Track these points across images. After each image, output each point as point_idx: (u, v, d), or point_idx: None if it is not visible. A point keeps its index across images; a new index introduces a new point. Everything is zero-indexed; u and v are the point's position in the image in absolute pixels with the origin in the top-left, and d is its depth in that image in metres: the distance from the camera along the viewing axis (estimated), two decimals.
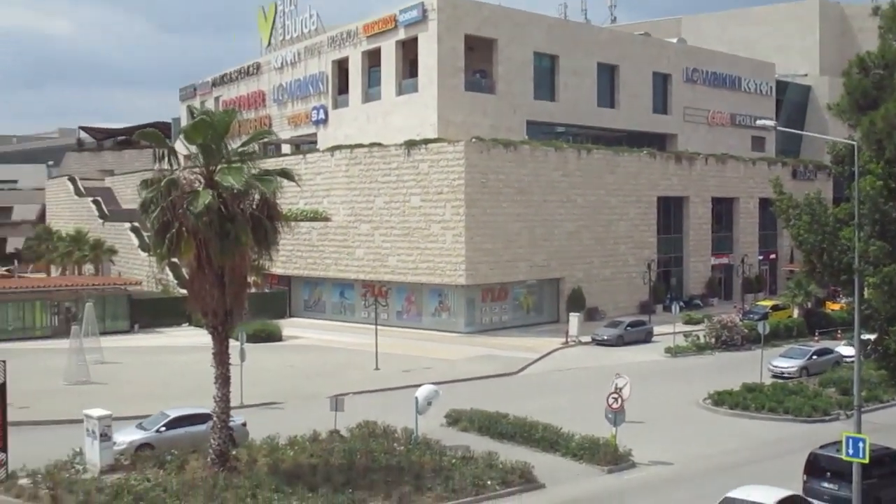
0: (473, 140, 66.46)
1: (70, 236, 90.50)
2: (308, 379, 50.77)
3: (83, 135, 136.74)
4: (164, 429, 35.19)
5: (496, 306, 70.09)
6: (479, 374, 52.45)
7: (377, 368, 53.08)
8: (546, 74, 78.43)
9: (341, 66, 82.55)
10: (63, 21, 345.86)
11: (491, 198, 66.32)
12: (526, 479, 31.80)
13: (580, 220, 72.86)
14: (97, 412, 33.52)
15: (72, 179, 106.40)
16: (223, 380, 32.00)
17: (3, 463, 32.32)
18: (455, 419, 39.73)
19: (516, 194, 67.95)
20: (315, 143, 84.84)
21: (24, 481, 31.68)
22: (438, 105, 70.38)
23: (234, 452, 32.44)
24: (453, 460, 32.87)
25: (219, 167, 31.09)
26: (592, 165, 74.08)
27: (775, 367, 51.54)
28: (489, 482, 31.07)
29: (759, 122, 57.43)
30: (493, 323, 69.46)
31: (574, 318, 64.24)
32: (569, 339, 63.37)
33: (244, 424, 36.17)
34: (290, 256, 70.72)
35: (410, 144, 68.05)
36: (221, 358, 32.04)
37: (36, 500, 30.46)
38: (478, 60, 74.61)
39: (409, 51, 74.55)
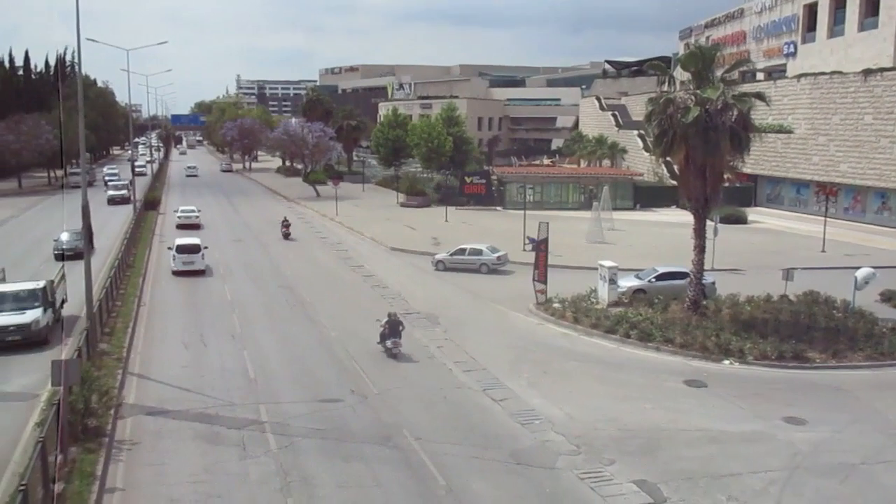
0: None
1: (595, 139, 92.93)
2: (765, 254, 48.44)
3: (608, 66, 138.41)
4: (654, 280, 35.83)
5: None
6: None
7: (823, 251, 49.13)
8: None
9: (811, 9, 75.62)
10: None
11: None
12: None
13: None
14: (608, 263, 34.98)
15: (597, 99, 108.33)
16: (700, 248, 31.77)
17: (544, 291, 35.12)
18: (888, 297, 35.79)
19: None
20: (784, 71, 78.73)
21: (556, 305, 34.26)
22: None
23: (704, 302, 32.32)
24: (884, 329, 29.96)
25: (705, 88, 30.34)
26: None
27: None
28: None
29: None
30: None
31: None
32: None
33: (713, 283, 35.67)
34: (758, 159, 66.61)
35: (868, 72, 60.67)
36: (699, 232, 31.76)
37: (563, 319, 32.83)
38: None
39: None
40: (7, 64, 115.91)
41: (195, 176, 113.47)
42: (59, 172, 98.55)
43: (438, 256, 44.89)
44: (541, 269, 35.25)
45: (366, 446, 20.60)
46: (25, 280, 32.99)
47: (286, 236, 55.69)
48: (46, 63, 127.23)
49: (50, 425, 18.14)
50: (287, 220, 57.50)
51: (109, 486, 18.37)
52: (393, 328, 28.44)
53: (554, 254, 37.96)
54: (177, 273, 42.57)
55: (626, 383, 25.71)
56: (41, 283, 30.67)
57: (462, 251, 44.30)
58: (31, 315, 28.81)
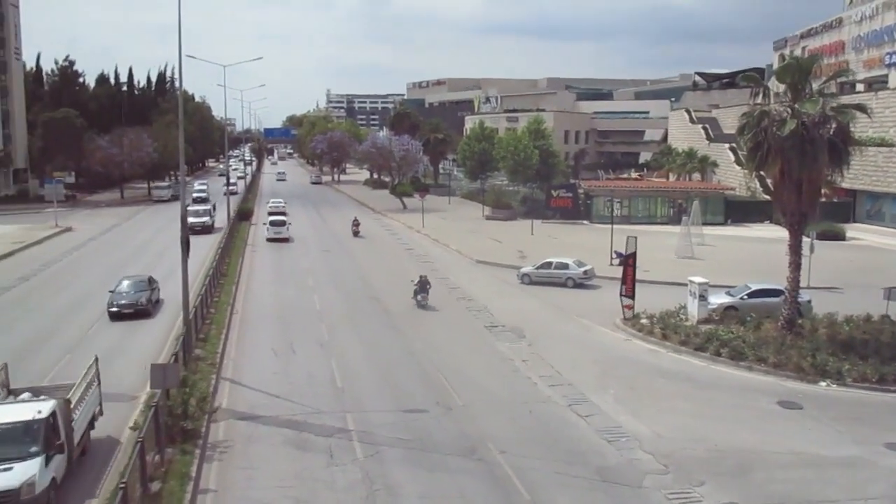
0: None
1: (684, 152, 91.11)
2: (864, 272, 46.39)
3: (697, 78, 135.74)
4: (746, 297, 34.82)
5: None
6: None
7: None
8: None
9: None
10: None
11: None
12: None
13: None
14: (698, 279, 34.23)
15: (687, 111, 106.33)
16: (795, 265, 30.74)
17: (632, 307, 34.59)
18: None
19: None
20: (885, 82, 75.57)
21: (643, 321, 33.69)
22: None
23: (799, 321, 31.22)
24: None
25: (802, 101, 29.45)
26: None
27: None
28: None
29: None
30: None
31: None
32: None
33: (809, 301, 34.44)
34: (857, 174, 64.15)
35: None
36: (795, 248, 30.73)
37: (651, 335, 32.26)
38: None
39: None
40: (112, 80, 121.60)
41: (283, 181, 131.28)
42: (160, 183, 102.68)
43: (524, 270, 44.76)
44: (628, 283, 34.74)
45: (450, 458, 20.66)
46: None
47: (356, 234, 63.59)
48: (148, 79, 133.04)
49: (148, 426, 18.85)
50: (357, 220, 65.59)
51: (203, 488, 18.94)
52: (422, 286, 37.91)
53: (642, 269, 37.32)
54: (270, 240, 59.51)
55: (716, 402, 25.06)
56: (42, 412, 18.16)
57: (548, 265, 44.06)
58: (21, 472, 16.94)
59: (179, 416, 20.99)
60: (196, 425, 21.43)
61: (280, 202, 79.07)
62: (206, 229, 63.49)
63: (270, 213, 70.24)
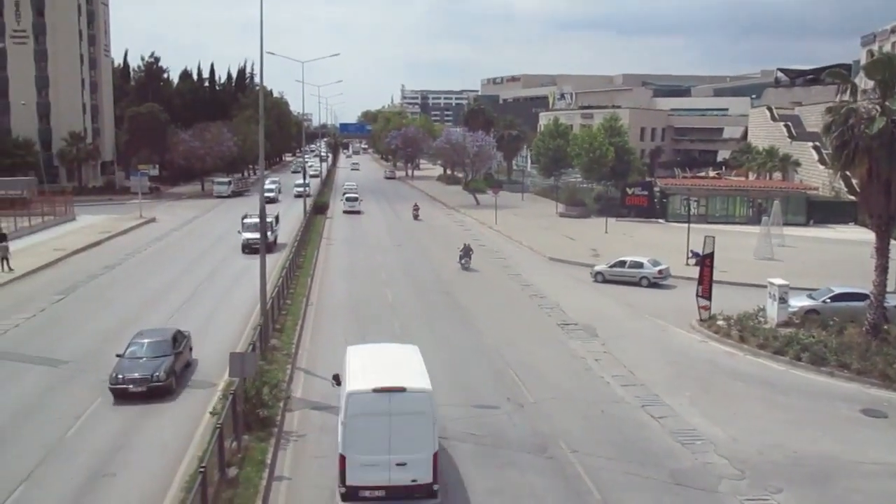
0: None
1: (765, 150, 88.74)
2: None
3: (779, 75, 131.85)
4: (828, 300, 33.72)
5: None
6: None
7: None
8: None
9: None
10: None
11: None
12: None
13: None
14: (778, 281, 33.30)
15: (768, 108, 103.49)
16: (882, 269, 29.61)
17: (708, 308, 33.88)
18: None
19: None
20: None
21: (720, 322, 32.95)
22: None
23: (886, 327, 30.05)
24: None
25: (892, 98, 28.30)
26: None
27: None
28: None
29: None
30: None
31: None
32: None
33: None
34: None
35: None
36: (882, 251, 29.61)
37: (727, 337, 31.54)
38: None
39: None
40: (195, 76, 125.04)
41: (357, 170, 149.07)
42: (237, 175, 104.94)
43: (598, 268, 44.33)
44: (705, 284, 34.02)
45: (521, 455, 20.61)
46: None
47: (415, 217, 71.42)
48: (228, 75, 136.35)
49: (226, 413, 19.34)
50: (417, 205, 73.84)
51: (278, 475, 19.34)
52: (466, 251, 47.07)
53: (719, 269, 36.54)
54: (346, 212, 76.58)
55: (795, 408, 24.35)
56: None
57: (622, 263, 43.54)
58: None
59: (255, 404, 21.46)
60: (271, 413, 21.88)
61: (353, 185, 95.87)
62: (266, 247, 41.61)
63: (345, 192, 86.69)
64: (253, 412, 21.33)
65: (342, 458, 16.86)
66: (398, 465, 16.81)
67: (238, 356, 21.79)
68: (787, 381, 26.88)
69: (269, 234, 48.55)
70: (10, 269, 44.34)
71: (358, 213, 76.65)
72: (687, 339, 32.21)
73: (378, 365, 19.49)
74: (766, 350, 29.46)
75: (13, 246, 48.55)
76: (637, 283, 42.33)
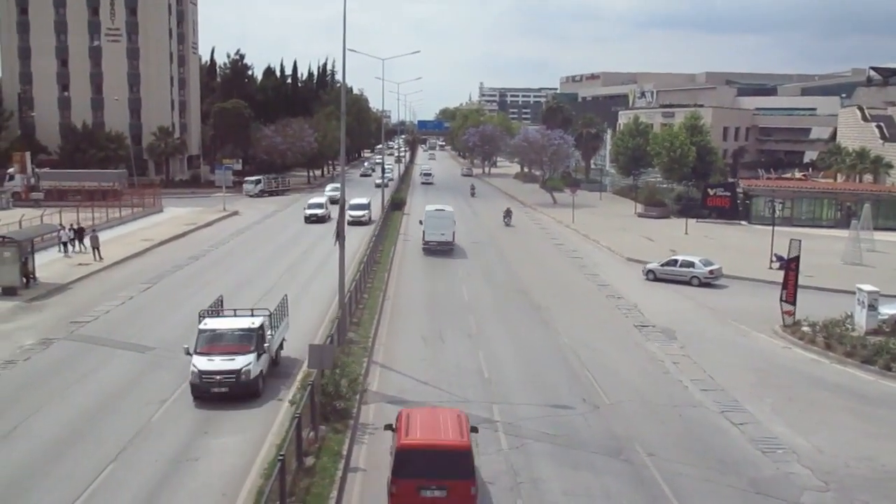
0: None
1: (855, 152, 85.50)
2: None
3: (872, 73, 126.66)
4: None
5: None
6: None
7: None
8: None
9: None
10: None
11: None
12: None
13: None
14: (867, 287, 32.05)
15: (859, 108, 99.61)
16: None
17: (792, 313, 32.89)
18: None
19: None
20: None
21: (805, 328, 31.94)
22: None
23: None
24: None
25: None
26: None
27: None
28: None
29: None
30: None
31: None
32: None
33: None
34: None
35: None
36: None
37: (812, 344, 30.57)
38: None
39: None
40: (278, 73, 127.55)
41: (433, 159, 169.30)
42: (317, 172, 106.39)
43: (649, 266, 44.60)
44: (790, 289, 33.05)
45: (596, 456, 20.37)
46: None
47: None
48: (310, 72, 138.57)
49: (304, 404, 19.68)
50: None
51: (353, 466, 19.60)
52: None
53: (804, 274, 35.42)
54: (423, 184, 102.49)
55: (885, 420, 23.39)
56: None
57: (674, 262, 43.76)
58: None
59: (332, 395, 21.79)
60: (348, 405, 22.18)
61: (429, 167, 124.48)
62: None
63: (422, 172, 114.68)
64: (330, 404, 21.66)
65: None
66: None
67: (317, 348, 22.17)
68: (876, 392, 25.87)
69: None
70: (101, 258, 46.14)
71: (431, 184, 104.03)
72: (769, 345, 31.31)
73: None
74: (853, 358, 28.41)
75: (104, 236, 50.59)
76: (688, 283, 42.37)
